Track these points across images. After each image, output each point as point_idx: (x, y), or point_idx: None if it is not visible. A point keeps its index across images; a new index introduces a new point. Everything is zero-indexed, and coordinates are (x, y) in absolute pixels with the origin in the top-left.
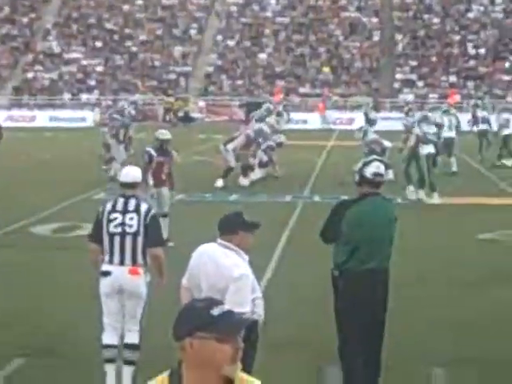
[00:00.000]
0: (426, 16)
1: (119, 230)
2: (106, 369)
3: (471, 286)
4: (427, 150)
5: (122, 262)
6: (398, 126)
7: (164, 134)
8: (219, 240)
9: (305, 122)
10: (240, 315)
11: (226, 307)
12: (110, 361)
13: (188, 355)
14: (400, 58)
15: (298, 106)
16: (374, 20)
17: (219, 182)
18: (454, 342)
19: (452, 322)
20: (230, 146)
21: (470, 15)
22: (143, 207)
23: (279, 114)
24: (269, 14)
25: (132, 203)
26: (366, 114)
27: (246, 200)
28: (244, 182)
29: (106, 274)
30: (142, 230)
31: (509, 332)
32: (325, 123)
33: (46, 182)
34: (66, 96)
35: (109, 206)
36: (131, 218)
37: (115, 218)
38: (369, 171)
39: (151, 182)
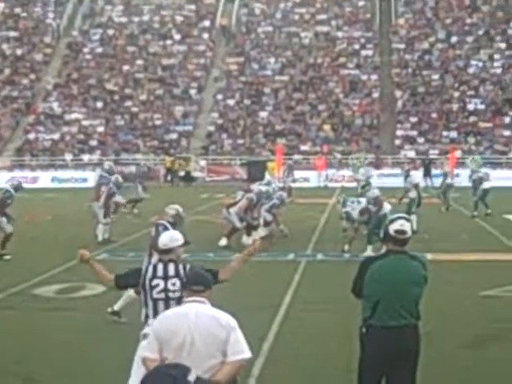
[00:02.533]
0: (425, 72)
1: (162, 295)
2: None
3: (469, 344)
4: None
5: None
6: (400, 182)
7: (178, 208)
8: (196, 297)
9: (306, 179)
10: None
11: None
12: None
13: None
14: (400, 114)
15: (300, 163)
16: (374, 77)
17: (223, 241)
18: None
19: (447, 381)
20: (233, 210)
21: (470, 71)
22: (182, 270)
23: (287, 173)
24: (268, 72)
25: (171, 268)
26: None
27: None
28: (247, 240)
29: None
30: None
31: None
32: (325, 181)
33: (49, 243)
34: (68, 157)
35: (149, 273)
36: (173, 284)
37: (157, 285)
38: (392, 228)
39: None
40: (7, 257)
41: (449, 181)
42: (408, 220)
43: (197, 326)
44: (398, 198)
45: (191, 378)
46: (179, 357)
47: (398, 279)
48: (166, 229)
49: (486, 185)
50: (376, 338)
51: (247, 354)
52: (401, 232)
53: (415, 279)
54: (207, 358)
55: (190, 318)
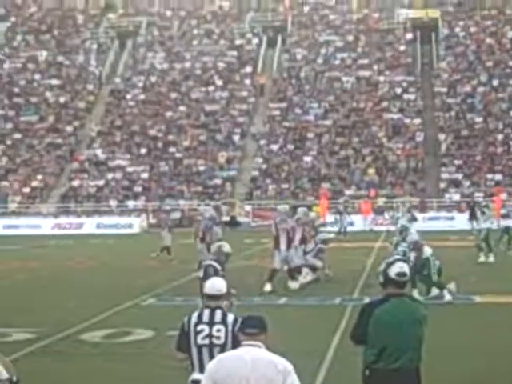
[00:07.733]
0: (468, 115)
1: (207, 341)
2: None
3: None
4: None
5: None
6: (445, 225)
7: (227, 247)
8: (251, 341)
9: (351, 223)
10: None
11: None
12: None
13: None
14: (444, 157)
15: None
16: (417, 121)
17: (267, 287)
18: None
19: None
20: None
21: None
22: (230, 318)
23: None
24: (311, 117)
25: (218, 314)
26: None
27: (296, 303)
28: (293, 285)
29: (196, 382)
30: (229, 341)
31: None
32: (371, 225)
33: (94, 289)
34: (113, 203)
35: (194, 318)
36: (218, 330)
37: (202, 330)
38: (393, 271)
39: None
40: None
41: (488, 225)
42: (406, 262)
43: (253, 370)
44: None
45: None
46: None
47: (402, 322)
48: (215, 270)
49: None
50: (380, 381)
51: None
52: (401, 274)
53: (418, 320)
54: None
55: (246, 361)
